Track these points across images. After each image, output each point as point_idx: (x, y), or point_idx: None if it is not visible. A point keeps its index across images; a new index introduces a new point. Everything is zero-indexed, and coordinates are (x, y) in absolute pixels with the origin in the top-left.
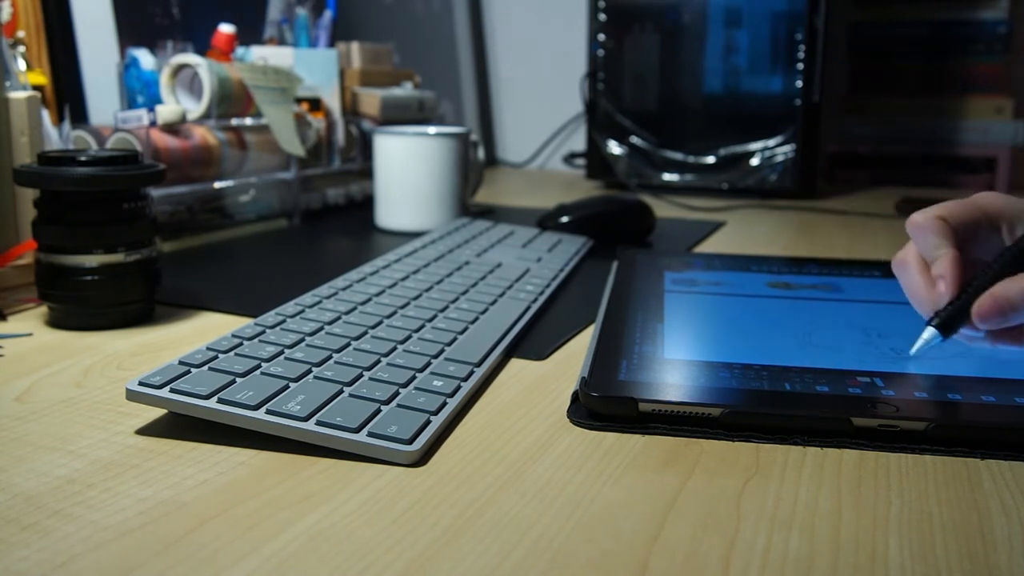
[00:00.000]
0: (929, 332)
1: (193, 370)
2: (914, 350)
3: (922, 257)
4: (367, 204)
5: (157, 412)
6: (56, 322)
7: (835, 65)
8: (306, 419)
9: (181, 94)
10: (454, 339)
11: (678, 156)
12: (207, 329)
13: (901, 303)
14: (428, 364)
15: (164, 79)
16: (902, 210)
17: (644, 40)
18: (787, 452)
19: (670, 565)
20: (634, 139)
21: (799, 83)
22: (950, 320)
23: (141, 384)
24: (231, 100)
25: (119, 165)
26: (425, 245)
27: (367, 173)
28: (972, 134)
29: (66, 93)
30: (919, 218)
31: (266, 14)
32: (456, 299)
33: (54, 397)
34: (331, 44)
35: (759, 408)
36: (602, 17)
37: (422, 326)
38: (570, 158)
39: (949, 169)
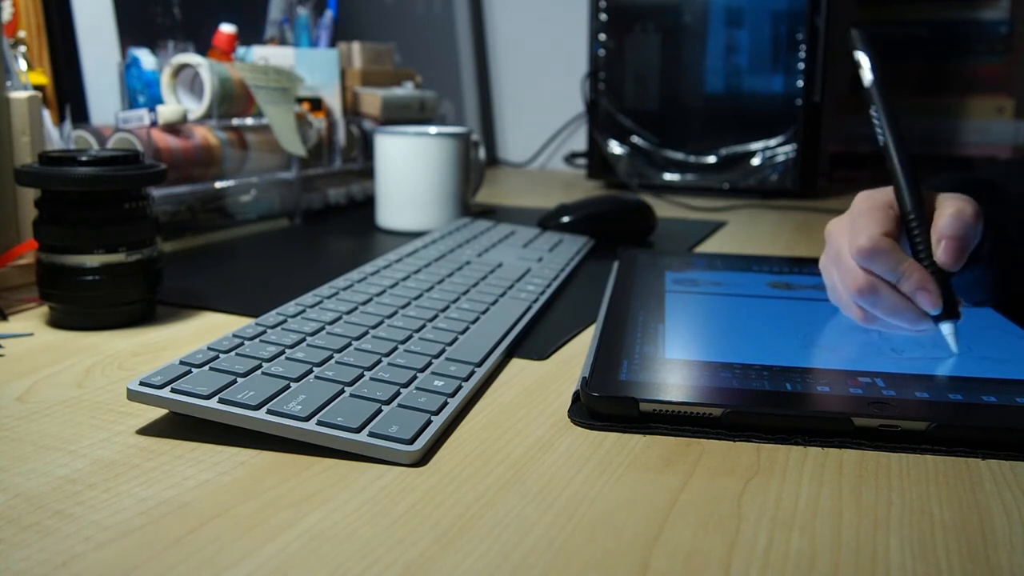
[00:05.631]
0: (949, 326)
1: (194, 370)
2: (955, 348)
3: (882, 278)
4: (368, 204)
5: (158, 412)
6: (57, 322)
7: (836, 65)
8: (307, 419)
9: (182, 94)
10: (455, 339)
11: (679, 156)
12: (208, 329)
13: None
14: (429, 364)
15: (165, 79)
16: None
17: (645, 40)
18: (788, 452)
19: (671, 565)
20: (635, 139)
21: (800, 83)
22: (951, 304)
23: (142, 384)
24: (232, 100)
25: (120, 165)
26: (426, 245)
27: (368, 173)
28: (973, 134)
29: (67, 93)
30: (867, 244)
31: (267, 14)
32: (457, 299)
33: (55, 397)
34: (332, 44)
35: (760, 408)
36: (603, 17)
37: (423, 326)
38: (571, 158)
39: (950, 169)
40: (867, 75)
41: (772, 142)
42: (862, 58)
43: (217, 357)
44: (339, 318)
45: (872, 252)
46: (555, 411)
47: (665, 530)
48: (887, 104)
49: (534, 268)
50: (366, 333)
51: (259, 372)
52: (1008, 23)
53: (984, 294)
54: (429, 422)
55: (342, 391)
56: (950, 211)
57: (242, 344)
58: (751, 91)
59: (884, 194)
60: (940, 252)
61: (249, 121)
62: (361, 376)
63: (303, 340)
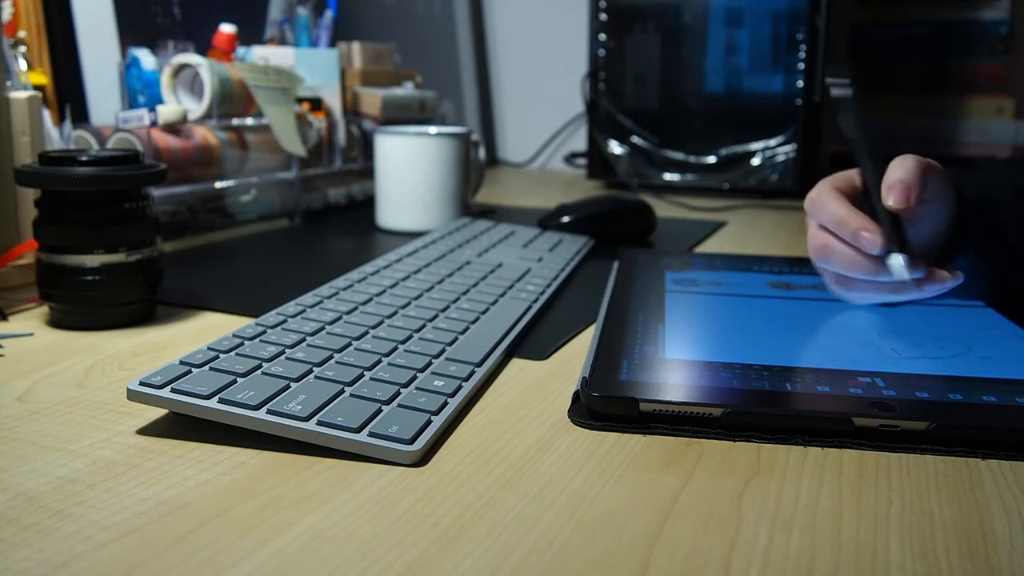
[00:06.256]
0: (896, 258)
1: (194, 370)
2: (907, 275)
3: (831, 233)
4: (368, 204)
5: (158, 412)
6: (57, 322)
7: (836, 65)
8: (307, 419)
9: (182, 94)
10: (455, 339)
11: (679, 156)
12: (208, 329)
13: (902, 303)
14: (429, 364)
15: (165, 79)
16: None
17: (645, 40)
18: (788, 452)
19: (671, 565)
20: (635, 139)
21: (800, 83)
22: (898, 238)
23: (142, 384)
24: (232, 100)
25: (120, 165)
26: (426, 245)
27: (368, 173)
28: (973, 134)
29: (67, 93)
30: (815, 193)
31: (267, 14)
32: (457, 299)
33: (55, 397)
34: (332, 44)
35: (760, 408)
36: (603, 17)
37: (423, 326)
38: (571, 158)
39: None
40: (851, 129)
41: (772, 142)
42: (848, 111)
43: (217, 357)
44: (339, 318)
45: (815, 201)
46: (555, 411)
47: (665, 530)
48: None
49: (534, 268)
50: (366, 333)
51: (259, 372)
52: (1008, 23)
53: (983, 286)
54: (429, 422)
55: (342, 391)
56: (894, 164)
57: (242, 344)
58: (751, 91)
59: (854, 171)
60: (888, 198)
61: (249, 121)
62: (361, 376)
63: (303, 340)
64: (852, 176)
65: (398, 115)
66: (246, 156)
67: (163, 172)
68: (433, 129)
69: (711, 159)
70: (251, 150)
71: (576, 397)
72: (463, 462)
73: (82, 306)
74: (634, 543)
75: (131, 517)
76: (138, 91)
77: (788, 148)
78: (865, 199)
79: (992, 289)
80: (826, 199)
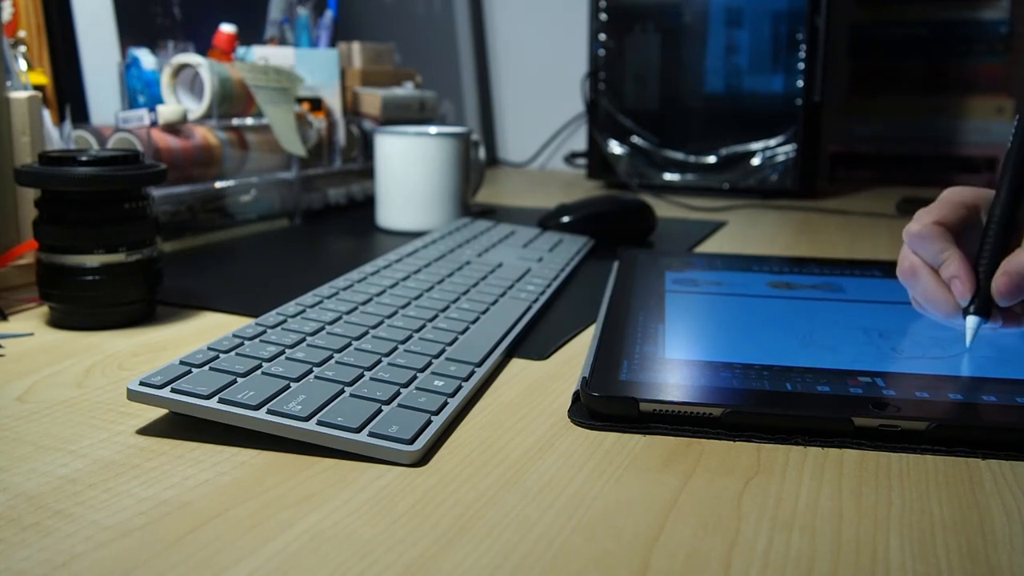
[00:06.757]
0: (972, 320)
1: (194, 370)
2: (969, 342)
3: (926, 262)
4: (368, 204)
5: (158, 412)
6: (57, 322)
7: (836, 65)
8: (307, 419)
9: (182, 94)
10: (455, 339)
11: (679, 156)
12: (208, 329)
13: (902, 303)
14: (429, 364)
15: (165, 79)
16: (903, 210)
17: (645, 40)
18: (788, 452)
19: (671, 565)
20: (635, 139)
21: (800, 83)
22: (984, 303)
23: (142, 384)
24: (232, 100)
25: (120, 165)
26: (426, 245)
27: (368, 173)
28: (973, 134)
29: (67, 93)
30: (916, 227)
31: (267, 14)
32: (457, 299)
33: (55, 397)
34: (332, 44)
35: (760, 408)
36: (603, 17)
37: (423, 326)
38: (571, 158)
39: (950, 169)
40: None
41: (772, 142)
42: None
43: (217, 357)
44: (339, 318)
45: (919, 235)
46: (555, 411)
47: (665, 530)
48: None
49: (534, 268)
50: (366, 333)
51: (259, 372)
52: (1008, 23)
53: None
54: (429, 422)
55: (342, 391)
56: None
57: (242, 344)
58: (751, 91)
59: (969, 192)
60: (995, 281)
61: (249, 121)
62: (361, 376)
63: (303, 340)
64: (959, 202)
65: (398, 115)
66: (246, 156)
67: (163, 172)
68: (433, 129)
69: (711, 159)
70: (251, 150)
71: (576, 397)
72: (463, 462)
73: (82, 306)
74: (634, 543)
75: (131, 517)
76: (138, 91)
77: (788, 148)
78: (984, 230)
79: None
80: (929, 235)
